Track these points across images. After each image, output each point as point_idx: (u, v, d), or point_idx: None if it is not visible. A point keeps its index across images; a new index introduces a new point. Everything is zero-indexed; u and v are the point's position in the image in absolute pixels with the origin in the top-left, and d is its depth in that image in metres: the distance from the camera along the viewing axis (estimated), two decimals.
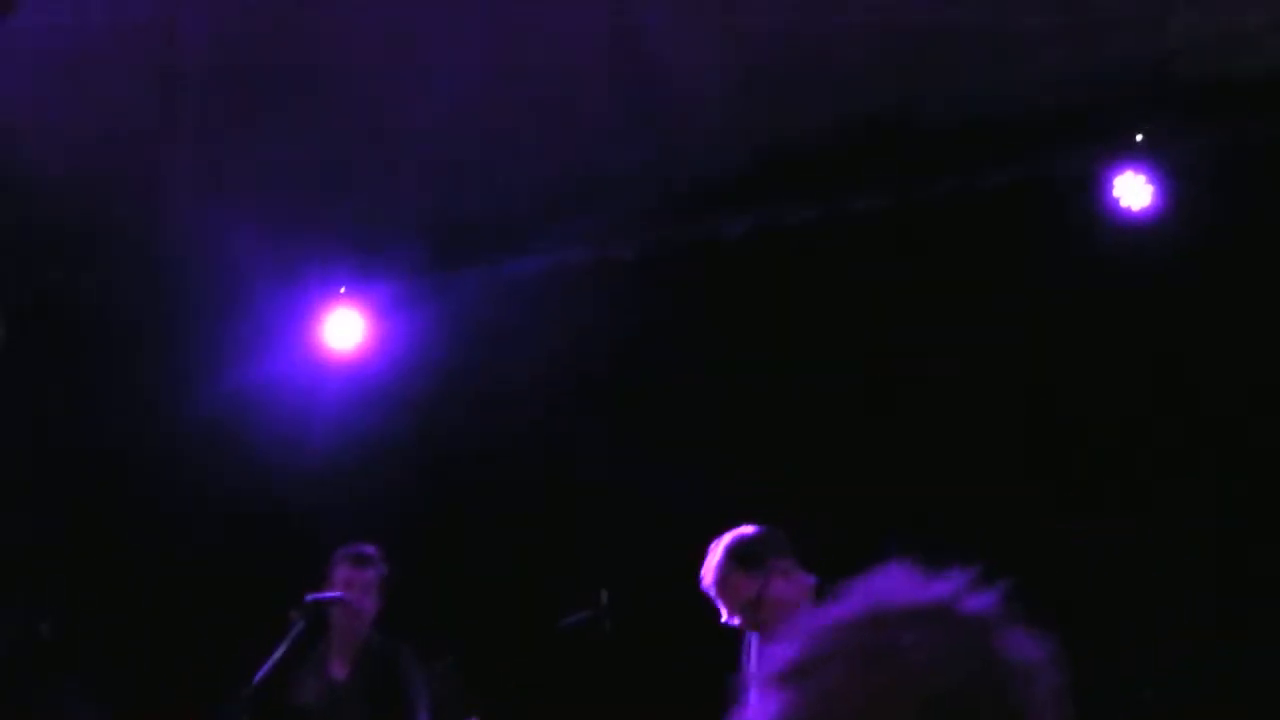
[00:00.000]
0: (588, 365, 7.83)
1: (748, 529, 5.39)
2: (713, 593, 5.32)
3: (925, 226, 7.20)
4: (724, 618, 5.38)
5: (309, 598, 5.95)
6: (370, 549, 6.33)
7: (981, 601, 1.84)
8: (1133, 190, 6.82)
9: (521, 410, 7.90)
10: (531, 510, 7.81)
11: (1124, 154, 6.90)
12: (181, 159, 7.52)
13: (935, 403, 7.19)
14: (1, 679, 5.99)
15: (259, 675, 5.74)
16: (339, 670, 6.31)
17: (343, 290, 7.97)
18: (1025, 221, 7.05)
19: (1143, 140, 6.86)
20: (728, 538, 5.37)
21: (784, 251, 7.45)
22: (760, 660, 5.33)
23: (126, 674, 7.84)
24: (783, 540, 5.36)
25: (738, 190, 7.37)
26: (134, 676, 7.80)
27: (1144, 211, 6.80)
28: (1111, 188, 6.88)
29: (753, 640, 5.45)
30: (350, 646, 6.30)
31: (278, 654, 5.82)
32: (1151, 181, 6.78)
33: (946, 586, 1.87)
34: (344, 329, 8.02)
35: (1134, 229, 6.85)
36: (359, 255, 7.89)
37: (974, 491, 6.91)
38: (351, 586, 6.19)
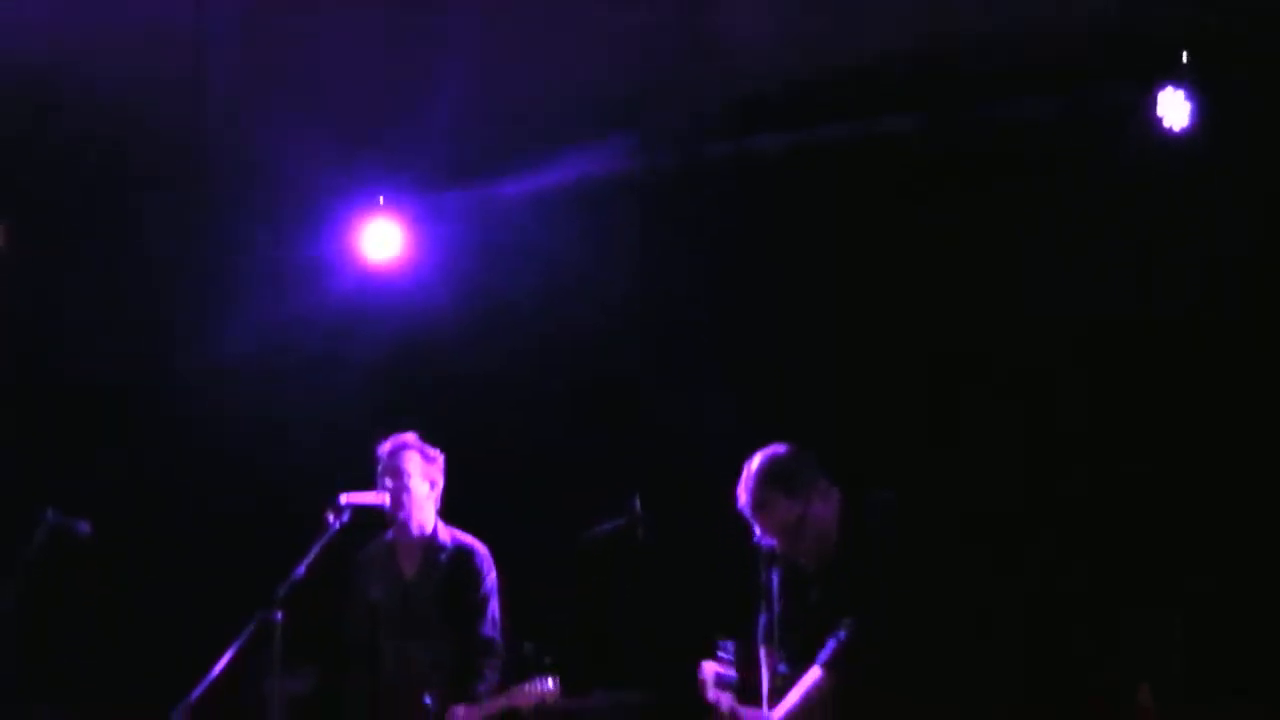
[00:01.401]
0: (624, 280, 7.87)
1: (780, 449, 5.41)
2: (749, 514, 5.35)
3: (968, 151, 7.16)
4: (757, 537, 5.40)
5: (343, 499, 5.99)
6: (399, 444, 6.38)
7: None
8: (1176, 109, 6.74)
9: (555, 322, 7.96)
10: (565, 420, 7.86)
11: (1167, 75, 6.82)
12: (221, 66, 7.58)
13: (979, 324, 7.15)
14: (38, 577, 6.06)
15: (291, 576, 5.77)
16: (408, 568, 6.42)
17: (381, 200, 8.00)
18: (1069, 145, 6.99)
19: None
20: (762, 459, 5.39)
21: (825, 171, 7.42)
22: (785, 587, 5.38)
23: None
24: (814, 459, 5.39)
25: (782, 108, 7.35)
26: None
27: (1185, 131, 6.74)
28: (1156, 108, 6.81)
29: (774, 574, 5.48)
30: (415, 544, 6.40)
31: (310, 555, 5.86)
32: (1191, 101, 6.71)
33: None
34: (382, 240, 8.05)
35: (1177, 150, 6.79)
36: (397, 165, 7.91)
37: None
38: (392, 486, 6.28)
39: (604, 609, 7.32)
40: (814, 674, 5.25)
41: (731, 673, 5.42)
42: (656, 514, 6.08)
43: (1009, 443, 6.99)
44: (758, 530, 5.40)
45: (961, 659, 5.48)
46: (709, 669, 5.46)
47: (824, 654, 5.24)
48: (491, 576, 6.35)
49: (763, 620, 5.58)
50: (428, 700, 6.02)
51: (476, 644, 6.25)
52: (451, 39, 7.02)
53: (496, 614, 6.33)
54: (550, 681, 6.02)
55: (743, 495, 5.39)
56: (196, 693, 5.52)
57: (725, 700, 5.39)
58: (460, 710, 6.04)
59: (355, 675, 6.41)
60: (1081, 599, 6.74)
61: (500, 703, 6.05)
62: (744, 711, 5.38)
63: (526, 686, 6.01)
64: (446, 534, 6.43)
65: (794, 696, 5.30)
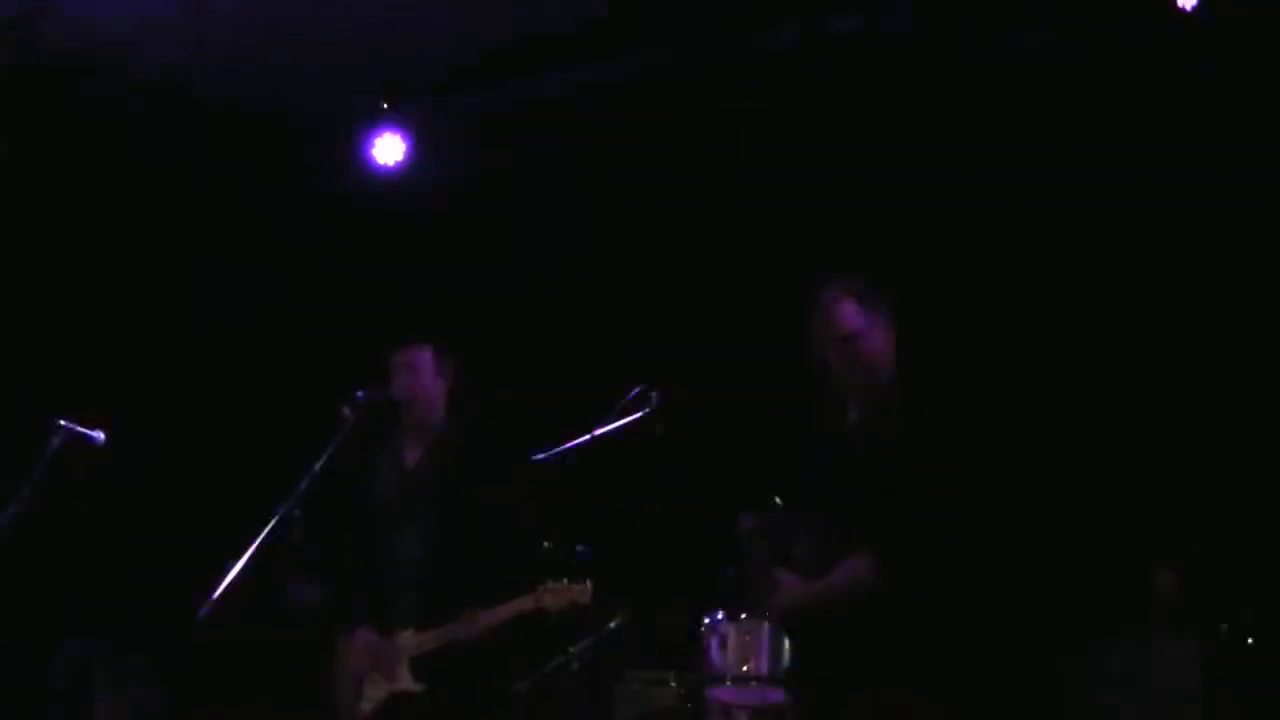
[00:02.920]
0: (633, 180, 7.79)
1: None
2: (818, 318, 5.24)
3: None
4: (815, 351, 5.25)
5: (358, 394, 5.96)
6: (413, 343, 6.33)
7: None
8: None
9: (565, 220, 7.90)
10: (579, 316, 7.83)
11: None
12: None
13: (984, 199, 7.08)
14: None
15: (309, 473, 5.74)
16: (411, 458, 6.37)
17: (384, 106, 7.96)
18: None
19: None
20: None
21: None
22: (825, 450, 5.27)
23: None
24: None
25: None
26: None
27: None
28: None
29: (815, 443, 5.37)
30: (423, 435, 6.35)
31: (328, 451, 5.84)
32: None
33: None
34: (388, 147, 8.01)
35: None
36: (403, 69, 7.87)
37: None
38: (405, 380, 6.23)
39: (626, 506, 7.24)
40: (860, 562, 5.02)
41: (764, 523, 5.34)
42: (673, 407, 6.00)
43: None
44: (818, 332, 5.24)
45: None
46: (747, 520, 5.37)
47: (869, 535, 5.02)
48: (502, 474, 6.21)
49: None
50: None
51: (488, 543, 6.11)
52: None
53: (513, 514, 6.18)
54: (582, 584, 5.90)
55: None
56: (218, 592, 5.49)
57: (760, 559, 5.31)
58: (479, 614, 5.91)
59: (357, 572, 6.34)
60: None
61: (522, 605, 5.87)
62: (780, 575, 5.28)
63: (554, 586, 5.85)
64: (459, 429, 6.37)
65: (836, 578, 5.08)
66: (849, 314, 5.18)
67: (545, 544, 6.23)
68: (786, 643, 5.40)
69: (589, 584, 5.90)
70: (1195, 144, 6.72)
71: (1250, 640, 6.35)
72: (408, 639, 6.03)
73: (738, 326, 7.35)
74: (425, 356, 6.31)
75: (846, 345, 5.17)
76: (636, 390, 5.99)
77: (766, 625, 5.45)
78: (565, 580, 5.88)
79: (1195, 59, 6.68)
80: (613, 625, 6.73)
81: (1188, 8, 6.61)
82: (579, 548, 6.23)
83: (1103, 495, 6.67)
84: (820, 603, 5.12)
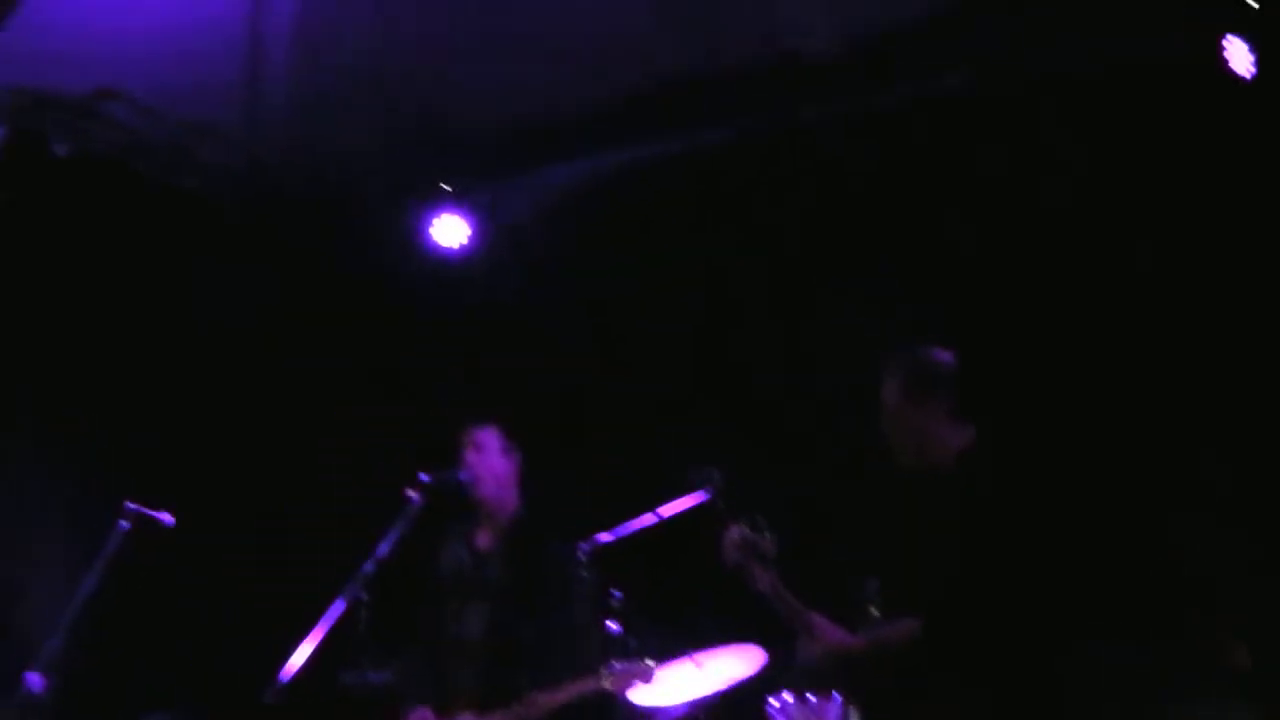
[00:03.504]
0: (697, 259, 7.83)
1: (935, 351, 5.27)
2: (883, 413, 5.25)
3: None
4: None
5: (425, 476, 6.01)
6: (491, 429, 6.46)
7: None
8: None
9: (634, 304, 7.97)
10: (641, 398, 7.85)
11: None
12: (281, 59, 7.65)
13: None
14: None
15: (376, 553, 5.79)
16: (481, 540, 6.46)
17: (448, 190, 8.03)
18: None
19: None
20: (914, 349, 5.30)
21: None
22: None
23: None
24: (953, 382, 5.24)
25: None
26: None
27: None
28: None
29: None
30: (494, 522, 6.45)
31: (394, 533, 5.89)
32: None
33: None
34: (450, 229, 8.09)
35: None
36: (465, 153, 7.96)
37: None
38: (474, 462, 6.34)
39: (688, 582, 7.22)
40: (909, 626, 5.01)
41: (766, 543, 5.30)
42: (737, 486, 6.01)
43: None
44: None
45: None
46: (734, 532, 5.31)
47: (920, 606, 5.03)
48: (572, 560, 6.26)
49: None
50: None
51: (552, 627, 6.18)
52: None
53: (578, 599, 6.24)
54: (646, 666, 5.91)
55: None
56: (286, 673, 5.53)
57: (766, 580, 5.24)
58: (540, 696, 5.96)
59: (420, 651, 6.41)
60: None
61: (585, 686, 5.92)
62: (819, 620, 5.25)
63: (619, 667, 5.89)
64: (527, 512, 6.41)
65: (882, 635, 5.11)
66: (889, 391, 5.22)
67: (612, 622, 6.22)
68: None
69: (652, 664, 5.89)
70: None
71: None
72: None
73: (806, 403, 7.33)
74: (492, 436, 6.43)
75: (892, 418, 5.21)
76: (698, 470, 6.01)
77: (833, 704, 5.44)
78: (630, 660, 5.89)
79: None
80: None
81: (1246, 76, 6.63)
82: (614, 627, 6.20)
83: (1169, 572, 6.60)
84: (864, 655, 5.13)
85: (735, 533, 5.32)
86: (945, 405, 5.17)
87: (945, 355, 5.26)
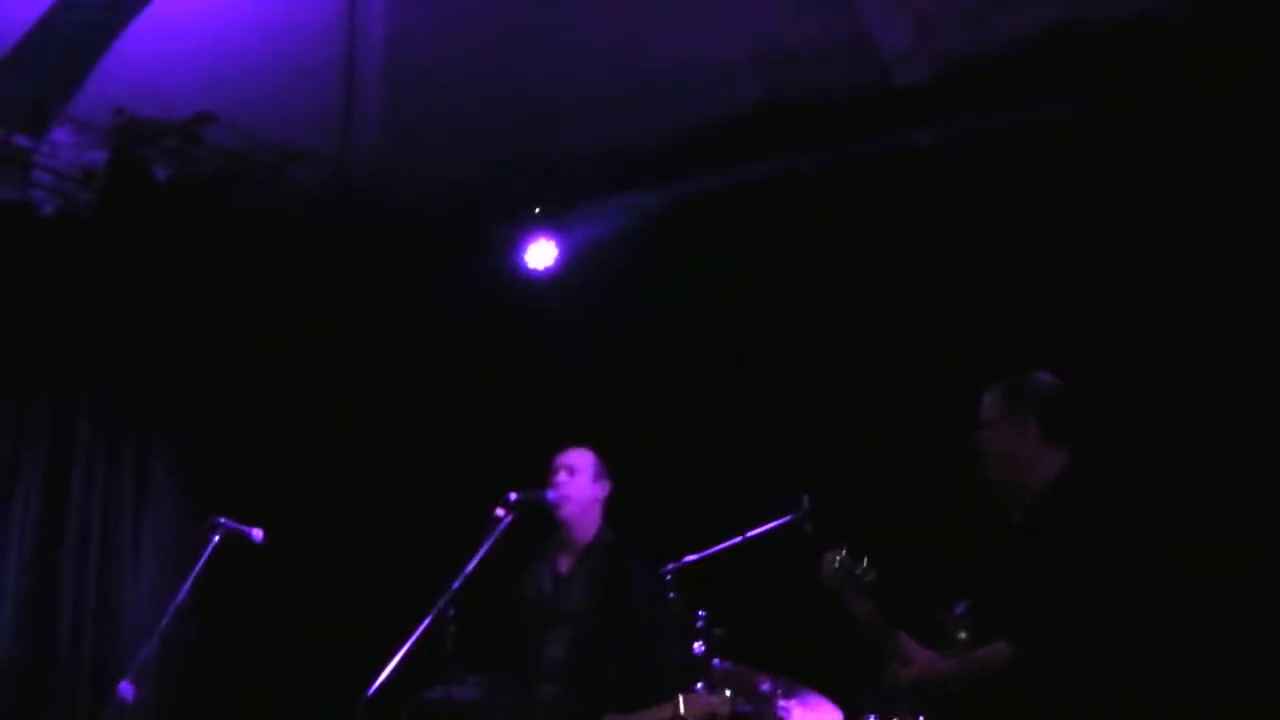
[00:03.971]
0: (783, 281, 7.84)
1: (1044, 375, 5.26)
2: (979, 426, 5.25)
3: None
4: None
5: (512, 496, 6.05)
6: (579, 452, 6.47)
7: None
8: None
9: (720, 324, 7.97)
10: (730, 419, 7.85)
11: None
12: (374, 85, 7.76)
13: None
14: None
15: (463, 571, 5.83)
16: (564, 564, 6.46)
17: (537, 211, 8.11)
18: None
19: None
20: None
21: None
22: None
23: None
24: (1060, 411, 5.20)
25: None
26: None
27: None
28: None
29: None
30: (576, 544, 6.44)
31: (480, 552, 5.93)
32: None
33: None
34: (540, 252, 8.17)
35: None
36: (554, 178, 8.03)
37: None
38: (564, 483, 6.36)
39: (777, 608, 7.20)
40: (1001, 650, 4.96)
41: (866, 569, 5.29)
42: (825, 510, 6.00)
43: None
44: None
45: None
46: (831, 555, 5.33)
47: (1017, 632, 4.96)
48: (656, 581, 6.27)
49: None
50: None
51: (633, 649, 6.16)
52: None
53: (660, 622, 6.22)
54: (722, 695, 5.85)
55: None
56: (372, 690, 5.58)
57: (864, 606, 5.26)
58: (615, 716, 5.96)
59: (509, 673, 6.42)
60: None
61: (661, 711, 5.83)
62: (908, 642, 5.23)
63: (693, 695, 5.81)
64: (612, 537, 6.44)
65: (972, 659, 5.05)
66: (988, 402, 5.21)
67: (697, 644, 6.21)
68: None
69: (729, 695, 5.87)
70: None
71: None
72: None
73: (896, 425, 7.29)
74: (588, 459, 6.45)
75: (984, 435, 5.18)
76: (788, 493, 6.01)
77: None
78: (704, 688, 5.87)
79: None
80: None
81: None
82: (697, 648, 6.18)
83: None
84: (952, 682, 5.10)
85: (832, 557, 5.34)
86: (1040, 427, 5.14)
87: (1047, 378, 5.25)
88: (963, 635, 5.18)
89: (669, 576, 6.25)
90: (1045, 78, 6.98)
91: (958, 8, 6.99)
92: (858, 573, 5.30)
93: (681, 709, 5.79)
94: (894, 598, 5.32)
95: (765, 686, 6.21)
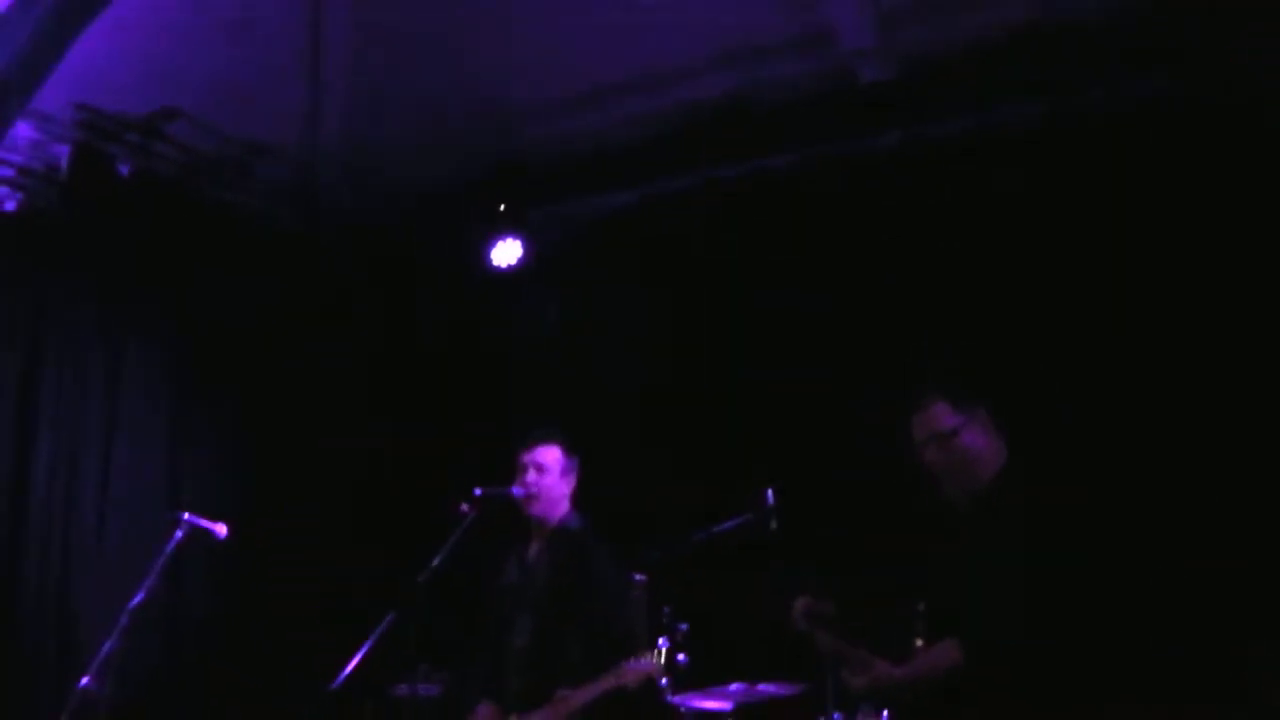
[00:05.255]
0: (745, 279, 7.88)
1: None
2: (912, 419, 5.32)
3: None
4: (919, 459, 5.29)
5: (478, 491, 6.11)
6: (546, 442, 6.51)
7: None
8: None
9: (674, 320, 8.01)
10: (694, 413, 7.88)
11: None
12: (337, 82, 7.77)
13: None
14: None
15: (429, 567, 5.85)
16: (535, 552, 6.52)
17: (502, 211, 8.13)
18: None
19: None
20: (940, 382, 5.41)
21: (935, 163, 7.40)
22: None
23: None
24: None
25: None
26: None
27: None
28: None
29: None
30: (543, 532, 6.50)
31: (447, 547, 5.97)
32: None
33: None
34: (504, 250, 8.20)
35: None
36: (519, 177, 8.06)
37: None
38: (533, 479, 6.41)
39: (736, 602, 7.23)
40: (950, 648, 5.04)
41: (828, 606, 5.36)
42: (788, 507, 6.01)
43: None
44: (915, 433, 5.31)
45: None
46: (800, 603, 5.40)
47: (963, 629, 5.03)
48: (609, 566, 6.34)
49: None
50: None
51: (593, 630, 6.22)
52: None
53: (618, 603, 6.29)
54: (650, 657, 5.94)
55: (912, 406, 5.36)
56: (337, 683, 5.59)
57: (829, 643, 5.32)
58: (565, 692, 6.03)
59: (476, 668, 6.47)
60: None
61: (604, 684, 5.95)
62: (864, 657, 5.27)
63: (628, 664, 5.92)
64: (576, 523, 6.50)
65: (921, 663, 5.14)
66: (942, 412, 5.27)
67: (661, 640, 6.24)
68: None
69: (661, 654, 5.94)
70: None
71: None
72: None
73: (852, 424, 7.32)
74: (555, 455, 6.50)
75: (943, 443, 5.23)
76: (751, 491, 6.03)
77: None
78: (642, 656, 5.92)
79: None
80: None
81: None
82: (680, 625, 6.23)
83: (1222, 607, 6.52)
84: (909, 683, 5.14)
85: (801, 604, 5.42)
86: (990, 416, 5.26)
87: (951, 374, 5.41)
88: (920, 643, 5.26)
89: (637, 576, 6.30)
90: (1010, 77, 7.04)
91: (924, 5, 7.03)
92: (823, 613, 5.40)
93: (623, 678, 5.89)
94: (860, 625, 5.38)
95: None
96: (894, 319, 7.43)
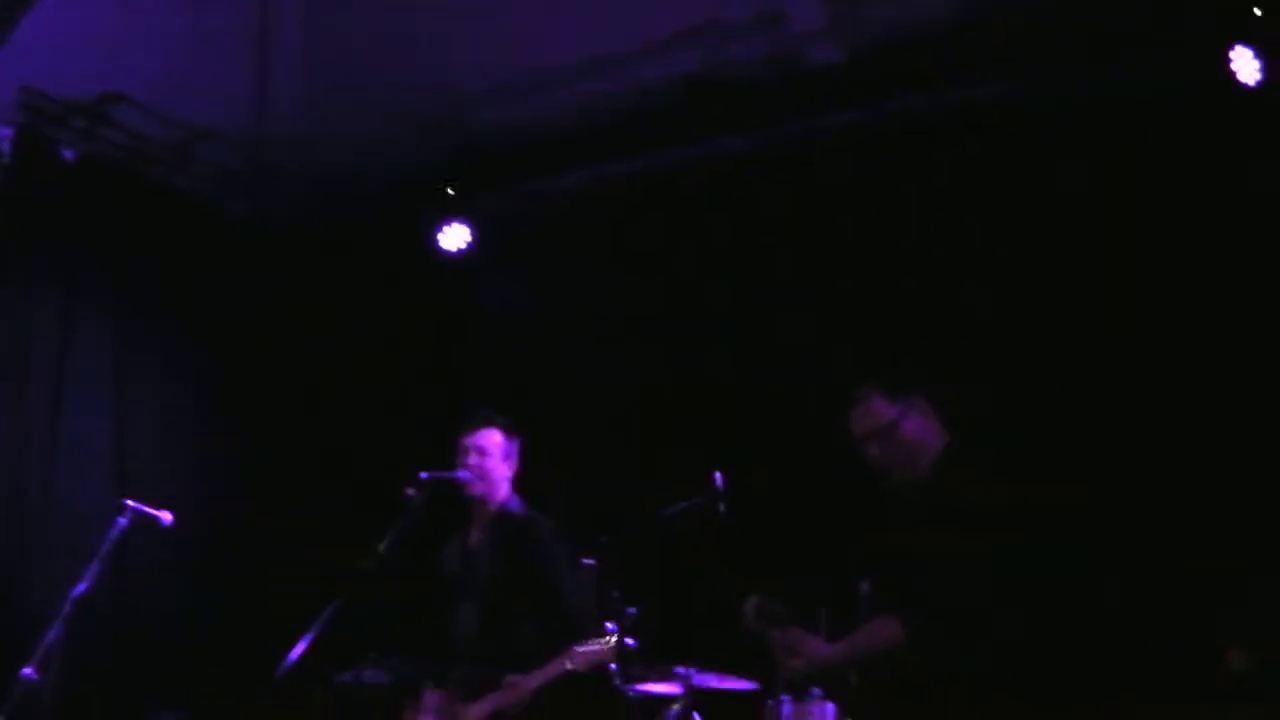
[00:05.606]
0: (695, 260, 7.86)
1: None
2: (851, 414, 5.33)
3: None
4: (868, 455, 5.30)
5: (424, 475, 6.10)
6: (486, 425, 6.50)
7: None
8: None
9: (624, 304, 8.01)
10: (640, 400, 7.88)
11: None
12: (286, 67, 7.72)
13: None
14: None
15: (374, 553, 5.85)
16: (475, 538, 6.51)
17: (451, 194, 8.09)
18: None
19: None
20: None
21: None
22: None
23: None
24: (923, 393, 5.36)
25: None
26: None
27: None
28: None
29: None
30: (487, 516, 6.50)
31: (395, 531, 5.95)
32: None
33: None
34: (452, 234, 8.19)
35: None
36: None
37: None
38: (475, 463, 6.41)
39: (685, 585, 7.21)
40: (888, 624, 5.10)
41: (778, 606, 5.39)
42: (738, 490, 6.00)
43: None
44: (855, 429, 5.32)
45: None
46: (752, 603, 5.44)
47: (901, 604, 5.08)
48: (556, 548, 6.34)
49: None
50: None
51: (542, 615, 6.23)
52: None
53: (566, 586, 6.25)
54: (602, 641, 5.87)
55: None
56: (282, 669, 5.56)
57: (779, 640, 5.36)
58: (514, 678, 6.02)
59: (422, 655, 6.46)
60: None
61: (553, 669, 5.94)
62: (798, 636, 5.31)
63: (577, 649, 5.88)
64: (518, 507, 6.50)
65: (859, 637, 5.19)
66: (879, 406, 5.29)
67: (609, 625, 6.21)
68: None
69: (612, 638, 5.91)
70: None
71: None
72: (466, 712, 6.12)
73: (800, 410, 7.31)
74: (495, 439, 6.50)
75: (885, 436, 5.25)
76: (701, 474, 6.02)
77: (830, 706, 5.45)
78: (588, 640, 5.89)
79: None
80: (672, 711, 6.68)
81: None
82: (629, 610, 6.21)
83: (1157, 572, 6.53)
84: (845, 661, 5.24)
85: (753, 605, 5.44)
86: (924, 402, 5.30)
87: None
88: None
89: (586, 561, 6.27)
90: (960, 59, 7.04)
91: None
92: (775, 614, 5.42)
93: (571, 663, 5.87)
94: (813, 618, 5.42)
95: None
96: (856, 300, 7.42)
